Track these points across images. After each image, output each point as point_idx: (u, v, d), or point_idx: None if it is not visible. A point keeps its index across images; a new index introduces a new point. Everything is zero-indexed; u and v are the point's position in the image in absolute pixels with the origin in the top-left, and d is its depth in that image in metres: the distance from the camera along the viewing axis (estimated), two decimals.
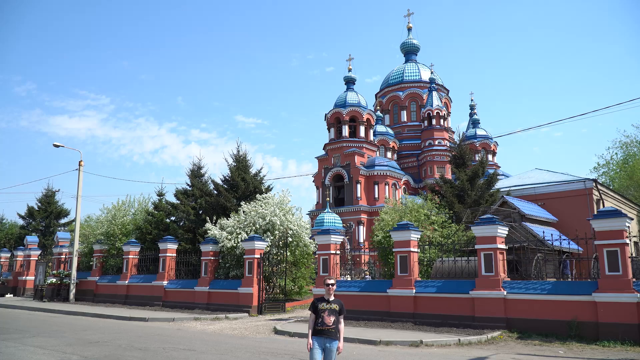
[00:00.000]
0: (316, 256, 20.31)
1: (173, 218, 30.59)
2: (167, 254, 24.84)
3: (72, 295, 27.61)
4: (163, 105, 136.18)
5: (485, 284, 14.81)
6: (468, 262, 16.72)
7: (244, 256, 21.56)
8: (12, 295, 34.34)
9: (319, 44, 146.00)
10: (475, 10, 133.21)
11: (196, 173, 31.45)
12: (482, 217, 16.02)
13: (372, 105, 57.41)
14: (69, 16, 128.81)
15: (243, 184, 28.32)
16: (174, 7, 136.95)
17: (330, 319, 7.00)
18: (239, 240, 22.69)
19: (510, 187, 31.64)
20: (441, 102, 53.40)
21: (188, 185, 31.04)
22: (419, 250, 17.61)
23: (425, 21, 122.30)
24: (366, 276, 23.90)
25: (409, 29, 60.50)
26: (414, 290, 16.27)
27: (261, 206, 24.31)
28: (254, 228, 23.34)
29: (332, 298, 7.23)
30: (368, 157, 47.32)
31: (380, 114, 55.13)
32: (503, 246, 15.33)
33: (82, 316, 21.20)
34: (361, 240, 42.92)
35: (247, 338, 14.43)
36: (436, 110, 51.65)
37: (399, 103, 57.07)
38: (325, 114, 49.55)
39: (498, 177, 30.81)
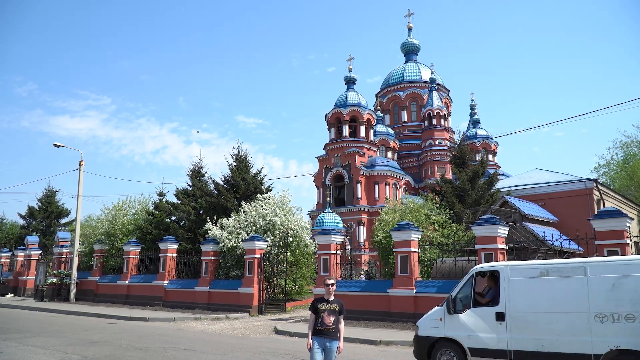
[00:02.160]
0: (316, 256, 20.32)
1: (173, 218, 30.59)
2: (168, 254, 24.86)
3: (72, 295, 27.64)
4: (164, 106, 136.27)
5: None
6: (468, 262, 16.69)
7: (245, 256, 21.58)
8: (12, 295, 34.36)
9: (319, 44, 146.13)
10: (475, 10, 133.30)
11: (197, 173, 31.46)
12: (482, 217, 16.03)
13: (373, 105, 57.34)
14: (69, 16, 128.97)
15: (243, 184, 28.33)
16: (174, 7, 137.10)
17: (330, 319, 7.01)
18: (240, 240, 22.70)
19: (510, 187, 31.63)
20: (441, 102, 53.35)
21: (188, 185, 31.05)
22: (419, 250, 17.62)
23: (425, 21, 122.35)
24: (362, 276, 23.62)
25: (410, 29, 60.44)
26: (415, 290, 16.27)
27: (262, 206, 24.31)
28: (254, 228, 23.35)
29: (332, 298, 7.24)
30: (368, 157, 47.29)
31: (381, 114, 55.05)
32: (503, 246, 15.33)
33: (83, 316, 21.23)
34: (362, 240, 42.89)
35: (247, 338, 14.44)
36: (436, 110, 51.61)
37: (400, 103, 57.02)
38: (326, 114, 49.53)
39: (498, 177, 30.80)
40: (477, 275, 9.43)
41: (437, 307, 9.54)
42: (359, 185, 45.22)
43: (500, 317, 8.62)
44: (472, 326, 8.84)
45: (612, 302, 7.79)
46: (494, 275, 9.21)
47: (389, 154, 52.07)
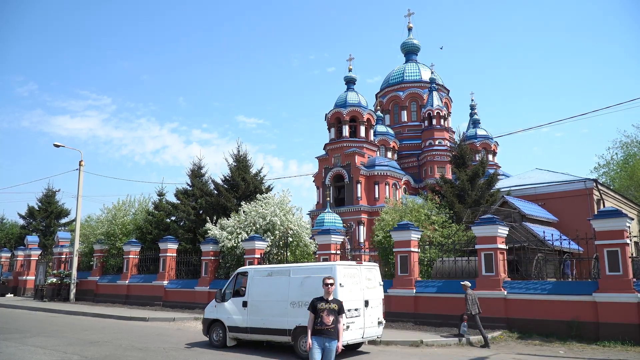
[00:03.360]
0: (316, 256, 20.31)
1: (173, 218, 30.55)
2: (168, 254, 24.86)
3: (72, 295, 27.62)
4: (164, 106, 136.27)
5: (485, 284, 14.82)
6: (468, 262, 16.71)
7: (245, 256, 21.57)
8: (12, 295, 34.36)
9: (320, 45, 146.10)
10: (475, 10, 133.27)
11: (197, 173, 31.42)
12: (482, 217, 16.03)
13: (373, 106, 57.31)
14: (69, 16, 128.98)
15: (243, 184, 28.30)
16: (174, 7, 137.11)
17: (329, 319, 7.01)
18: (240, 240, 22.68)
19: (510, 187, 31.60)
20: (441, 102, 53.31)
21: (188, 185, 31.01)
22: (419, 250, 17.61)
23: (425, 21, 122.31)
24: None
25: (410, 29, 60.41)
26: (415, 290, 16.27)
27: (261, 206, 24.29)
28: (254, 228, 23.33)
29: (331, 298, 7.24)
30: (368, 157, 47.25)
31: (381, 114, 54.99)
32: (503, 246, 15.33)
33: (83, 316, 21.22)
34: (361, 240, 42.84)
35: None
36: (436, 110, 51.57)
37: (400, 103, 56.99)
38: (326, 114, 49.49)
39: (498, 177, 30.75)
40: (238, 274, 13.03)
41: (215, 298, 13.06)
42: (358, 185, 45.19)
43: (245, 304, 12.25)
44: (230, 311, 12.50)
45: (300, 294, 11.10)
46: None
47: (389, 154, 52.03)
